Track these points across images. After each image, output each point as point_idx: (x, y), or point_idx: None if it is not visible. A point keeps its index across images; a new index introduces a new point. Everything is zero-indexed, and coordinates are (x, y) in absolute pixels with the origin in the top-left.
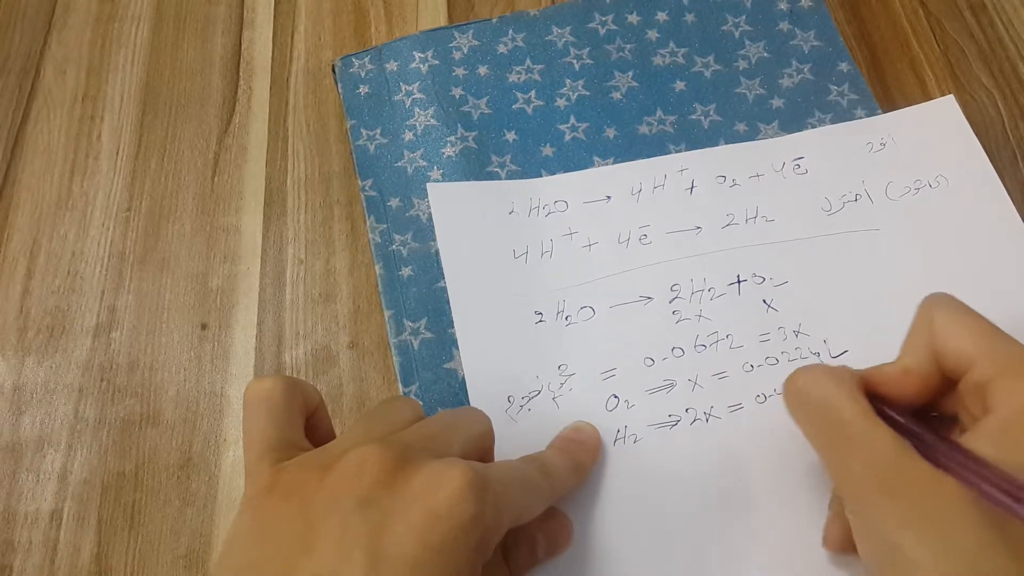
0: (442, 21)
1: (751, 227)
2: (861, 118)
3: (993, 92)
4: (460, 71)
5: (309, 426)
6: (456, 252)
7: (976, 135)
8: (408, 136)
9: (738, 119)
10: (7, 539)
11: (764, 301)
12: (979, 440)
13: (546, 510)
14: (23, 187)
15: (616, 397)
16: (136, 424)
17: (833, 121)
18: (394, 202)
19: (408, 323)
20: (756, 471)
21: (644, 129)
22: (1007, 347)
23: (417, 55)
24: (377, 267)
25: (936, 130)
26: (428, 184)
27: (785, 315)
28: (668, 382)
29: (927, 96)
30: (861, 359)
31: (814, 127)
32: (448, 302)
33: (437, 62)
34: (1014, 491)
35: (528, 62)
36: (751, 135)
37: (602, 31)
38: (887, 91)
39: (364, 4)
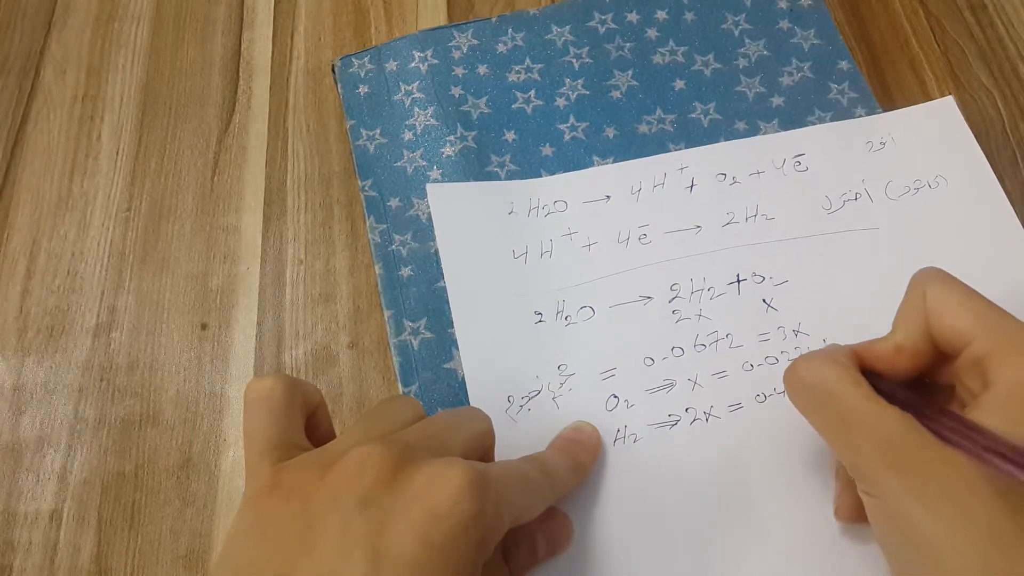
0: (442, 20)
1: (751, 225)
2: (861, 117)
3: (993, 92)
4: (459, 70)
5: (309, 426)
6: (456, 252)
7: (976, 135)
8: (408, 136)
9: (738, 117)
10: (7, 539)
11: (764, 300)
12: (982, 414)
13: (546, 510)
14: (23, 187)
15: (616, 397)
16: (136, 424)
17: (833, 119)
18: (394, 202)
19: (408, 323)
20: (756, 470)
21: (644, 128)
22: (1004, 322)
23: (417, 54)
24: (377, 267)
25: (935, 131)
26: (428, 184)
27: (785, 314)
28: (668, 382)
29: (927, 96)
30: None
31: (814, 125)
32: (448, 302)
33: (436, 61)
34: (1020, 459)
35: (528, 61)
36: (751, 133)
37: (602, 30)
38: (887, 90)
39: (364, 4)
